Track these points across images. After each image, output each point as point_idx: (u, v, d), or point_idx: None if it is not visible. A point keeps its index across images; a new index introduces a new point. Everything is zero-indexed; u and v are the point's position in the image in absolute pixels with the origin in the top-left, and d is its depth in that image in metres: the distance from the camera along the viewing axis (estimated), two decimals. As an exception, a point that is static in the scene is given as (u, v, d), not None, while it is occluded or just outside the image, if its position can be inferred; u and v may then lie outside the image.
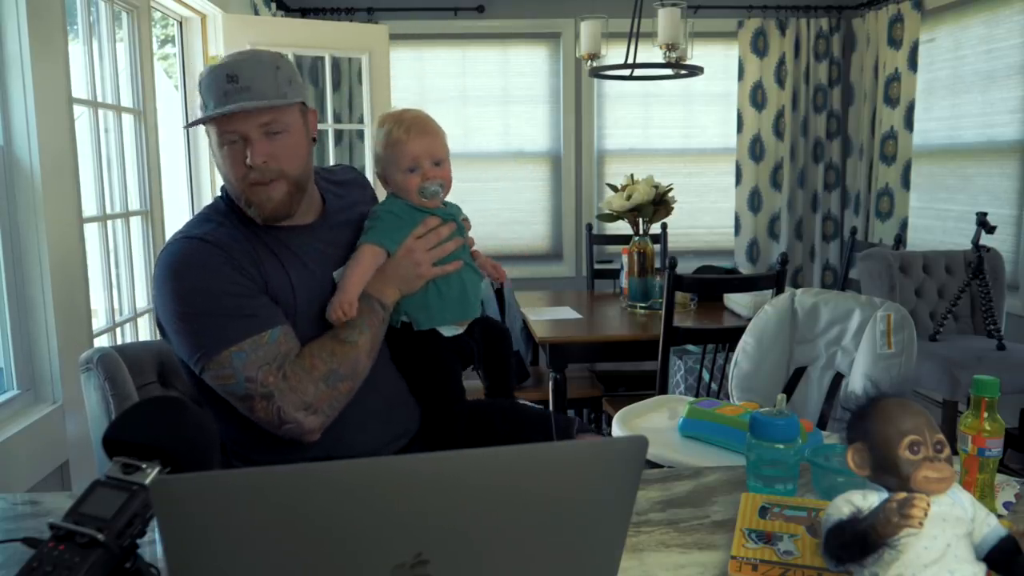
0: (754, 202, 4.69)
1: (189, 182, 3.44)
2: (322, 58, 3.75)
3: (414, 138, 1.41)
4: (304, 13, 4.33)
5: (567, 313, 3.21)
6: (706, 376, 2.84)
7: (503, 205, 4.73)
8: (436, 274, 1.41)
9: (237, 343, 1.24)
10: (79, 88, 2.27)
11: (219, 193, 1.43)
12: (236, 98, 1.26)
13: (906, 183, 4.26)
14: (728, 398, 2.17)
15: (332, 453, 1.35)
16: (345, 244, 1.42)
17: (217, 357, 1.24)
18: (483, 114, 4.65)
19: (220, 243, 1.30)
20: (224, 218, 1.35)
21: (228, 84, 1.26)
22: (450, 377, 1.48)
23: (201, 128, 1.36)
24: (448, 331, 1.47)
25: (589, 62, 3.36)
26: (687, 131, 4.77)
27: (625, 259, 3.33)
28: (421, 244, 1.40)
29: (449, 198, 1.51)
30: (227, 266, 1.28)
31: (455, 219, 1.47)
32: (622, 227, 3.72)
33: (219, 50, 3.30)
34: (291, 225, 1.38)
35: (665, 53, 3.15)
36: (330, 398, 1.29)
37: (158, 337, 1.44)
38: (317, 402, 1.28)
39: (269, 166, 1.29)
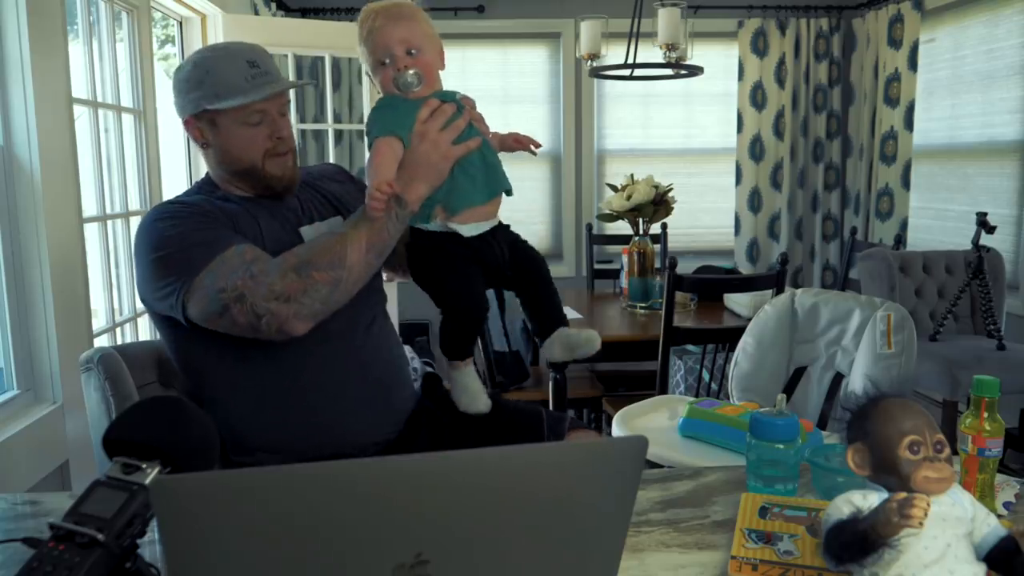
0: (754, 202, 4.69)
1: (189, 182, 3.44)
2: (322, 58, 3.75)
3: (383, 26, 1.32)
4: (304, 13, 4.33)
5: (567, 313, 3.21)
6: (706, 376, 2.84)
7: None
8: (461, 153, 1.33)
9: (206, 266, 1.27)
10: (79, 88, 2.26)
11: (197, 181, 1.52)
12: (263, 80, 1.35)
13: (906, 183, 4.26)
14: (728, 398, 2.17)
15: (327, 440, 1.36)
16: (315, 206, 1.48)
17: (191, 286, 1.27)
18: (483, 114, 4.63)
19: (190, 203, 1.38)
20: (199, 191, 1.45)
21: (252, 69, 1.35)
22: (472, 284, 1.38)
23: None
24: (468, 230, 1.36)
25: (589, 62, 3.36)
26: (687, 131, 4.78)
27: (625, 259, 3.33)
28: (432, 125, 1.31)
29: None
30: (195, 214, 1.35)
31: (453, 99, 1.37)
32: (622, 227, 3.72)
33: (219, 50, 3.29)
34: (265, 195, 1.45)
35: (665, 53, 3.15)
36: (304, 287, 1.25)
37: (158, 337, 1.45)
38: (288, 291, 1.25)
39: (289, 139, 1.42)
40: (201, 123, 1.39)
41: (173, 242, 1.31)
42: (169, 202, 1.42)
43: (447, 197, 1.34)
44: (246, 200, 1.43)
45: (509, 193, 1.42)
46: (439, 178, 1.32)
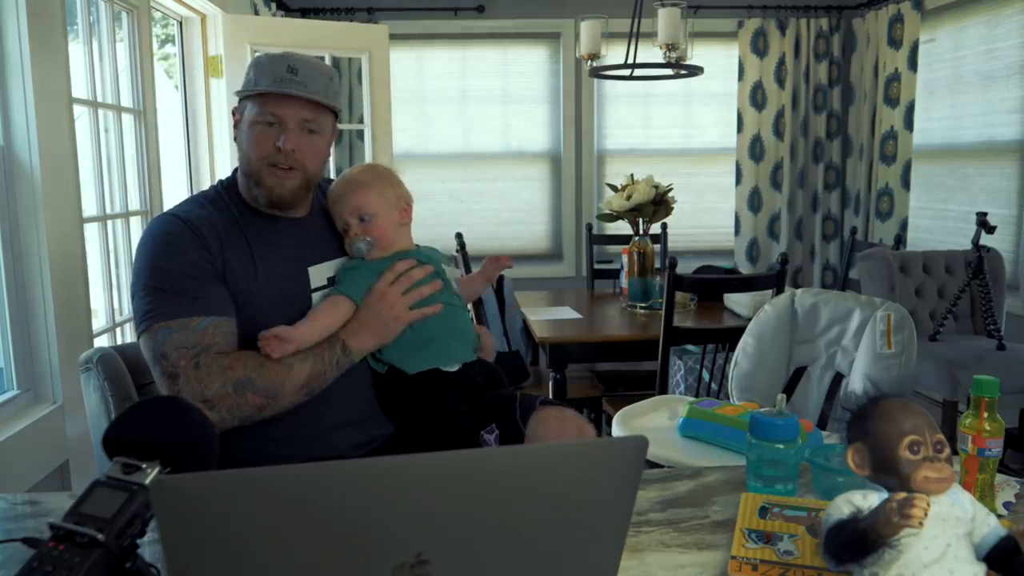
0: (754, 202, 4.69)
1: (189, 182, 3.44)
2: (322, 58, 3.75)
3: (337, 198, 1.43)
4: (304, 13, 4.33)
5: (567, 313, 3.21)
6: (706, 376, 2.84)
7: (503, 205, 4.73)
8: (414, 318, 1.38)
9: (167, 320, 1.28)
10: (79, 88, 2.26)
11: (217, 181, 1.48)
12: (291, 87, 1.34)
13: (906, 183, 4.26)
14: (728, 398, 2.17)
15: (312, 450, 1.36)
16: (327, 241, 1.45)
17: (150, 329, 1.29)
18: (483, 114, 4.65)
19: (192, 222, 1.35)
20: (209, 202, 1.41)
21: (287, 73, 1.34)
22: (455, 412, 1.42)
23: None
24: (450, 366, 1.44)
25: (589, 62, 3.36)
26: (687, 131, 4.77)
27: (625, 259, 3.33)
28: (394, 289, 1.38)
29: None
30: (191, 245, 1.33)
31: (433, 262, 1.44)
32: (622, 227, 3.72)
33: (219, 50, 3.30)
34: (279, 216, 1.42)
35: (665, 53, 3.15)
36: (234, 404, 1.27)
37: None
38: (216, 400, 1.27)
39: (295, 156, 1.36)
40: (237, 113, 1.42)
41: (162, 276, 1.31)
42: (178, 217, 1.37)
43: (398, 359, 1.41)
44: (258, 217, 1.40)
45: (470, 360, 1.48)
46: (387, 336, 1.38)
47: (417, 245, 1.49)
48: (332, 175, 3.39)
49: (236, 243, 1.36)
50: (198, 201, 1.43)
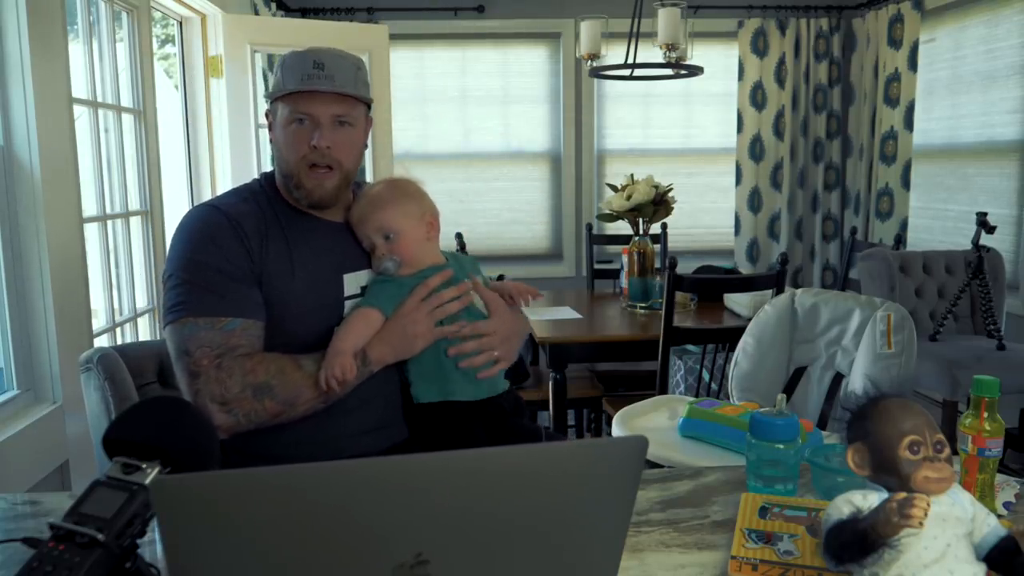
0: (754, 202, 4.69)
1: (189, 182, 3.43)
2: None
3: (361, 217, 1.40)
4: (304, 13, 4.33)
5: (567, 313, 3.21)
6: (706, 376, 2.84)
7: (503, 205, 4.73)
8: (438, 336, 1.37)
9: (195, 316, 1.28)
10: (79, 88, 2.26)
11: (256, 176, 1.48)
12: (319, 83, 1.33)
13: (906, 183, 4.26)
14: (728, 398, 2.17)
15: (325, 453, 1.35)
16: (363, 250, 1.43)
17: (177, 322, 1.29)
18: (483, 114, 4.65)
19: (233, 216, 1.34)
20: (252, 195, 1.41)
21: (314, 69, 1.33)
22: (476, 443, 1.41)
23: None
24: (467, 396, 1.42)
25: (589, 62, 3.36)
26: (687, 131, 4.77)
27: (625, 259, 3.33)
28: (424, 306, 1.36)
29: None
30: (230, 240, 1.32)
31: (464, 274, 1.43)
32: (622, 227, 3.72)
33: (219, 50, 3.30)
34: (319, 218, 1.41)
35: (665, 53, 3.15)
36: (251, 408, 1.27)
37: (158, 337, 1.46)
38: (234, 403, 1.26)
39: (331, 153, 1.35)
40: (270, 116, 1.41)
41: (196, 270, 1.30)
42: (219, 209, 1.36)
43: (418, 380, 1.40)
44: (298, 216, 1.39)
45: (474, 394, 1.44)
46: (408, 351, 1.36)
47: (446, 255, 1.47)
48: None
49: (275, 241, 1.35)
50: (241, 194, 1.42)
